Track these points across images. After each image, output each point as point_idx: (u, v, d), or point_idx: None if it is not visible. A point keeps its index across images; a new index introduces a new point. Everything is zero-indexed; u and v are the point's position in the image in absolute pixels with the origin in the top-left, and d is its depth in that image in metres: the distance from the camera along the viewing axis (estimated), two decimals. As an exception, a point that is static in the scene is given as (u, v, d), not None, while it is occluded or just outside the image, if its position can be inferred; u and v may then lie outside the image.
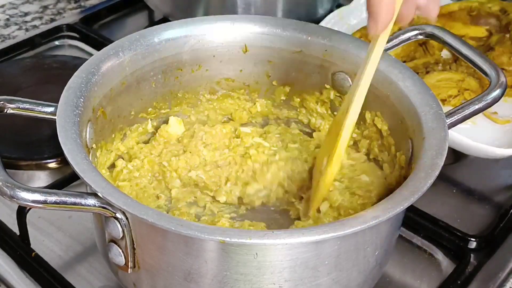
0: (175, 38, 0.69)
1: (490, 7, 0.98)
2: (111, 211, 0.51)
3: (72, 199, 0.50)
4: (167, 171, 0.70)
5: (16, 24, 1.09)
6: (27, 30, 1.07)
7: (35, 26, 1.08)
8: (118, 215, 0.51)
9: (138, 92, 0.69)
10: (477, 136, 0.77)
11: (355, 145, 0.71)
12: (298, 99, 0.74)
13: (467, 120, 0.63)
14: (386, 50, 0.69)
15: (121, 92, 0.67)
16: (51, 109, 0.58)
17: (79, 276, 0.67)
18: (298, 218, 0.67)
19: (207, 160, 0.71)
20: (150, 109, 0.72)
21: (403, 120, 0.63)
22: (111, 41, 0.69)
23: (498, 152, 0.76)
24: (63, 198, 0.50)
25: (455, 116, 0.62)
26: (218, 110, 0.76)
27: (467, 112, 0.62)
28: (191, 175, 0.70)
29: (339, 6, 1.04)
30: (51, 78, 0.91)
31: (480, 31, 0.97)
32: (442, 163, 0.54)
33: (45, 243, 0.70)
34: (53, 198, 0.50)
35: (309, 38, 0.70)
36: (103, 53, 0.65)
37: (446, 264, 0.70)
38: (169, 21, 0.72)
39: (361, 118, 0.69)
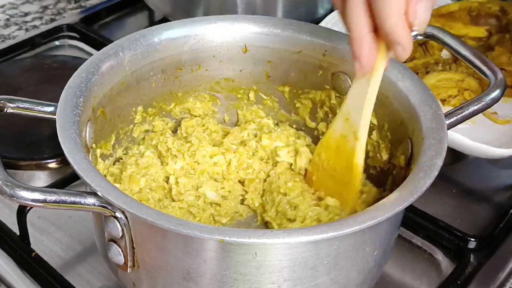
0: (175, 38, 0.69)
1: (490, 7, 0.98)
2: (110, 210, 0.51)
3: (72, 198, 0.50)
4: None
5: (16, 24, 1.09)
6: (27, 30, 1.08)
7: (35, 26, 1.08)
8: (118, 214, 0.51)
9: (138, 91, 0.69)
10: (477, 136, 0.77)
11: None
12: (298, 99, 0.74)
13: (467, 120, 0.64)
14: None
15: (121, 92, 0.67)
16: (51, 109, 0.59)
17: (79, 276, 0.67)
18: None
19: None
20: (150, 108, 0.72)
21: (402, 120, 0.63)
22: (111, 41, 0.69)
23: (498, 152, 0.76)
24: (63, 197, 0.50)
25: (454, 117, 0.62)
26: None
27: (466, 112, 0.62)
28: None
29: (339, 6, 1.04)
30: (51, 78, 0.91)
31: (480, 31, 0.97)
32: (441, 163, 0.54)
33: (45, 243, 0.70)
34: (52, 197, 0.50)
35: (309, 38, 0.70)
36: (103, 53, 0.65)
37: (445, 264, 0.70)
38: (169, 21, 0.72)
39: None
